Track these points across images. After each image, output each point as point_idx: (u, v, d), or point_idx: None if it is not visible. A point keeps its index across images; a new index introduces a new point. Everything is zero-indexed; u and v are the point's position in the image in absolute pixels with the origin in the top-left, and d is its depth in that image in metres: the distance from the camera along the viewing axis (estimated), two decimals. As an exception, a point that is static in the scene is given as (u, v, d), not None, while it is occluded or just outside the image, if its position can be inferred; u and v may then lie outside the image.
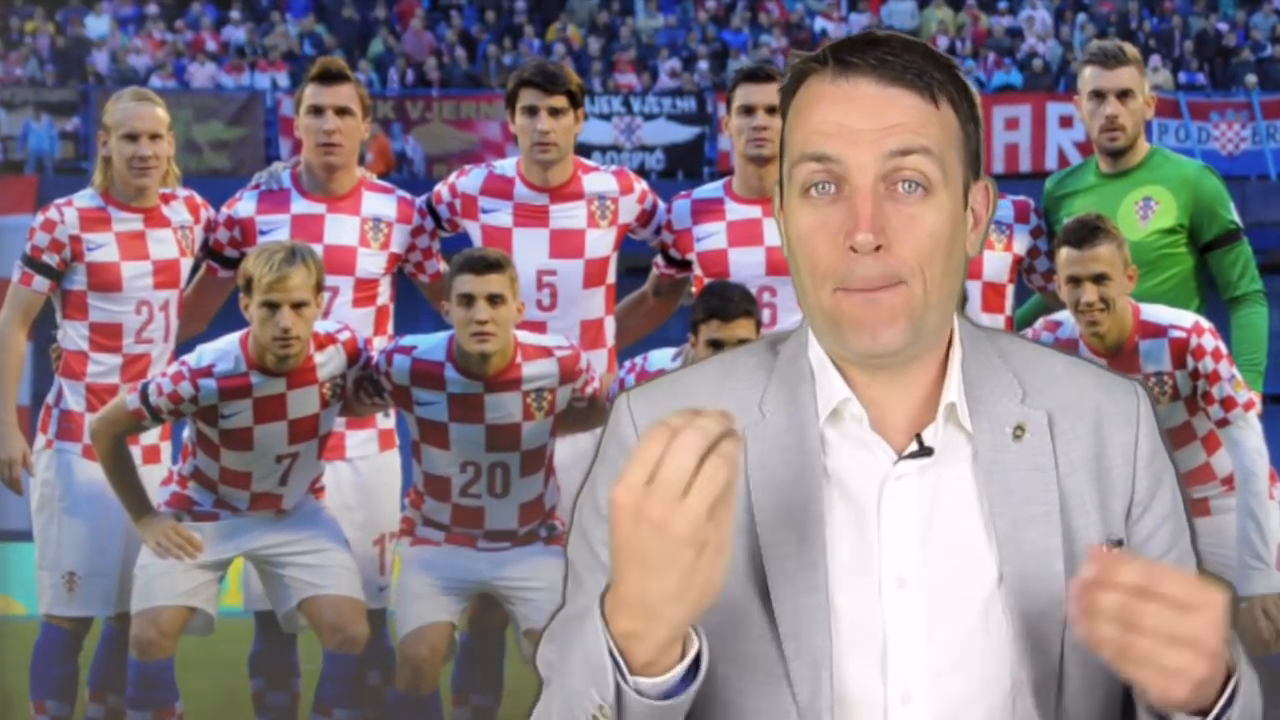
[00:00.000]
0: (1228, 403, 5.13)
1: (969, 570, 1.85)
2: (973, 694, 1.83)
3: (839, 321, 1.82)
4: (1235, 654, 1.72)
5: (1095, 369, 1.97)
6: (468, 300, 5.17)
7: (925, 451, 1.86)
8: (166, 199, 5.74)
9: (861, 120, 1.81)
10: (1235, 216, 5.67)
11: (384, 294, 5.78)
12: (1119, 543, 1.89)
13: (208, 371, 5.21)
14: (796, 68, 1.88)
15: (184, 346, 5.66)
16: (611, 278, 5.75)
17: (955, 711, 1.83)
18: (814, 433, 1.87)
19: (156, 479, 5.56)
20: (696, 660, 1.70)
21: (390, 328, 5.80)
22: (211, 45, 23.70)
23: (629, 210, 5.73)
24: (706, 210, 5.68)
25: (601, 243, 5.69)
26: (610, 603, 1.67)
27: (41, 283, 5.64)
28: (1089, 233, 5.08)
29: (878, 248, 1.79)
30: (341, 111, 5.64)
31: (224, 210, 5.80)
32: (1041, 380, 1.91)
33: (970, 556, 1.85)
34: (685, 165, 20.91)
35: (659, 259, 5.84)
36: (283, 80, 22.39)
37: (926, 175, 1.81)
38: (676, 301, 6.00)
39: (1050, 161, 19.89)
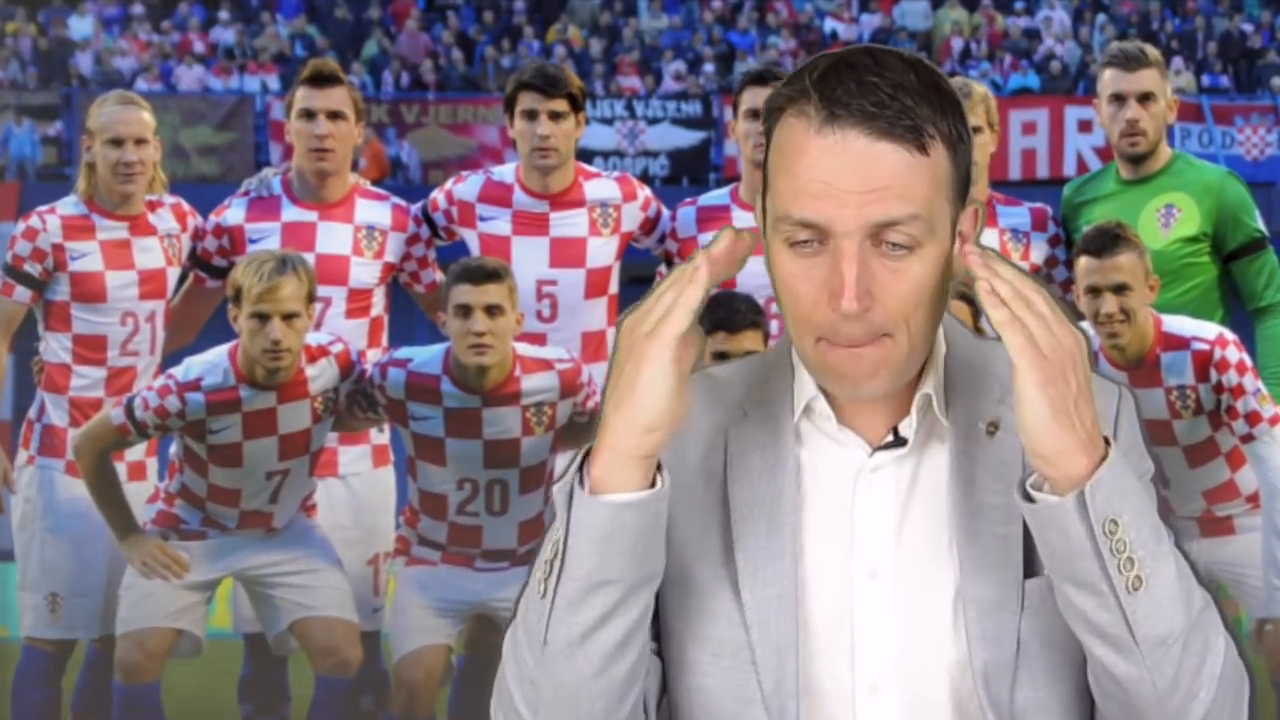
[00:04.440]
0: (1253, 417, 5.13)
1: (939, 561, 1.93)
2: (941, 684, 1.91)
3: (821, 369, 1.90)
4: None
5: None
6: (465, 311, 5.18)
7: (900, 442, 1.95)
8: (152, 206, 5.74)
9: (848, 181, 1.82)
10: (1260, 224, 5.67)
11: (378, 305, 5.79)
12: None
13: (195, 385, 5.21)
14: (778, 100, 1.89)
15: (171, 359, 5.67)
16: (614, 288, 5.76)
17: (923, 701, 1.91)
18: (788, 426, 1.96)
19: (142, 496, 5.57)
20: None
21: (384, 340, 5.81)
22: (199, 47, 23.73)
23: (632, 218, 5.73)
24: (712, 218, 5.68)
25: (603, 252, 5.69)
26: None
27: (23, 293, 5.65)
28: (1109, 241, 5.09)
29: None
30: (334, 115, 5.65)
31: (212, 218, 5.81)
32: None
33: (940, 547, 1.93)
34: (690, 171, 20.92)
35: (663, 268, 5.85)
36: (273, 83, 22.43)
37: (913, 238, 1.84)
38: (681, 312, 5.99)
39: (1069, 167, 19.89)
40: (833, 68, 1.85)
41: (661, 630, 1.97)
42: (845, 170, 1.82)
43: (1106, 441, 1.78)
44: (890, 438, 1.95)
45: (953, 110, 1.87)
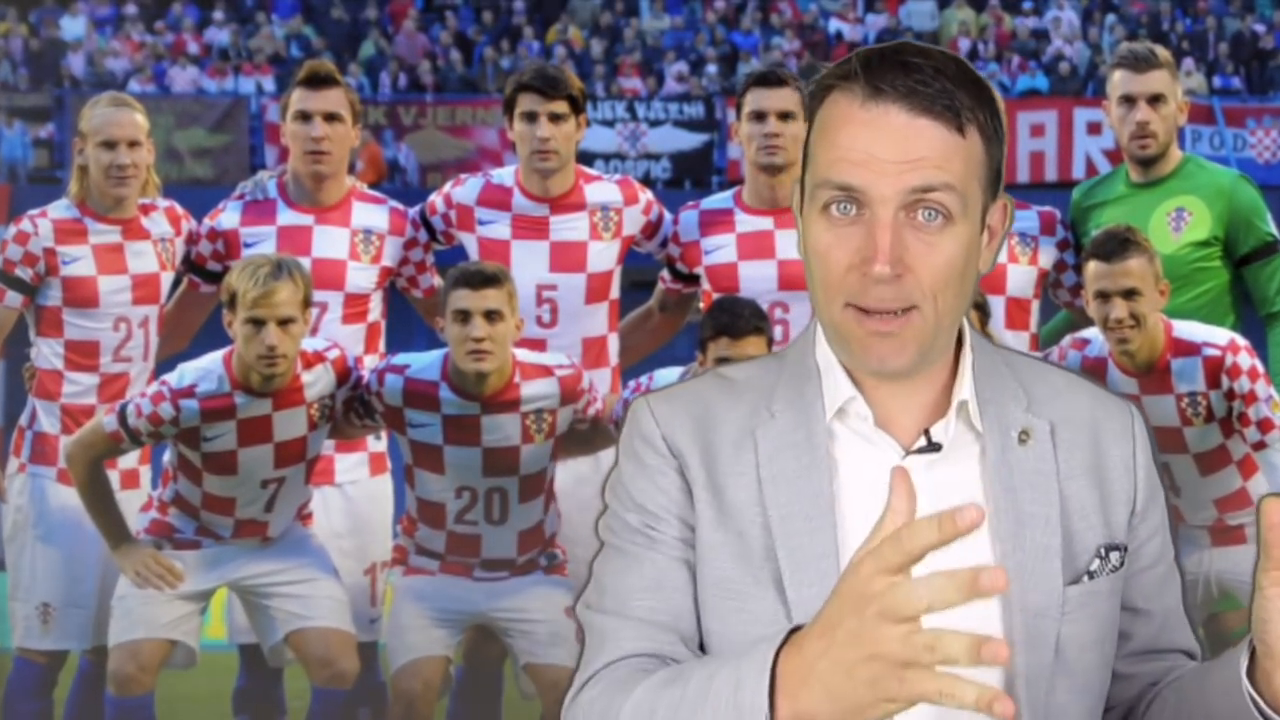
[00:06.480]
0: (1265, 424, 5.13)
1: (971, 564, 1.96)
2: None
3: (848, 339, 1.97)
4: None
5: (1092, 387, 2.15)
6: (463, 316, 5.17)
7: (934, 447, 2.01)
8: (146, 210, 5.74)
9: (888, 151, 1.93)
10: (1273, 228, 5.67)
11: (375, 310, 5.79)
12: (1122, 548, 2.06)
13: (189, 391, 5.21)
14: (825, 79, 2.01)
15: (164, 365, 5.66)
16: (615, 293, 5.76)
17: None
18: (821, 428, 2.03)
19: (135, 505, 5.57)
20: None
21: (382, 345, 5.81)
22: (193, 48, 23.73)
23: (633, 221, 5.74)
24: (715, 221, 5.68)
25: (604, 256, 5.69)
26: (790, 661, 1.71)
27: (14, 298, 5.65)
28: (1119, 245, 5.09)
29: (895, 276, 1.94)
30: (330, 117, 5.65)
31: (206, 221, 5.81)
32: (1044, 392, 2.08)
33: (973, 551, 1.97)
34: (693, 174, 20.91)
35: (665, 273, 5.85)
36: (268, 85, 22.42)
37: (947, 208, 1.94)
38: (683, 318, 6.01)
39: (1078, 170, 19.88)
40: (879, 53, 1.98)
41: (701, 631, 2.03)
42: (885, 142, 1.94)
43: None
44: (923, 442, 2.02)
45: (989, 105, 1.99)
